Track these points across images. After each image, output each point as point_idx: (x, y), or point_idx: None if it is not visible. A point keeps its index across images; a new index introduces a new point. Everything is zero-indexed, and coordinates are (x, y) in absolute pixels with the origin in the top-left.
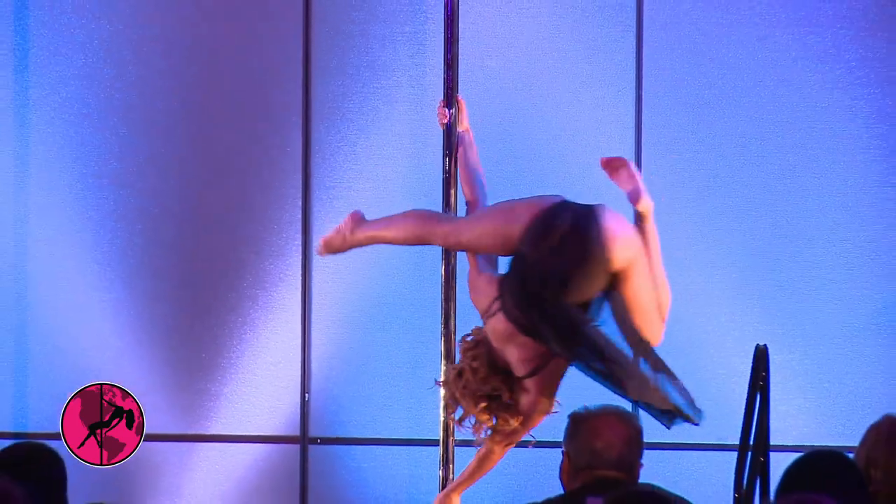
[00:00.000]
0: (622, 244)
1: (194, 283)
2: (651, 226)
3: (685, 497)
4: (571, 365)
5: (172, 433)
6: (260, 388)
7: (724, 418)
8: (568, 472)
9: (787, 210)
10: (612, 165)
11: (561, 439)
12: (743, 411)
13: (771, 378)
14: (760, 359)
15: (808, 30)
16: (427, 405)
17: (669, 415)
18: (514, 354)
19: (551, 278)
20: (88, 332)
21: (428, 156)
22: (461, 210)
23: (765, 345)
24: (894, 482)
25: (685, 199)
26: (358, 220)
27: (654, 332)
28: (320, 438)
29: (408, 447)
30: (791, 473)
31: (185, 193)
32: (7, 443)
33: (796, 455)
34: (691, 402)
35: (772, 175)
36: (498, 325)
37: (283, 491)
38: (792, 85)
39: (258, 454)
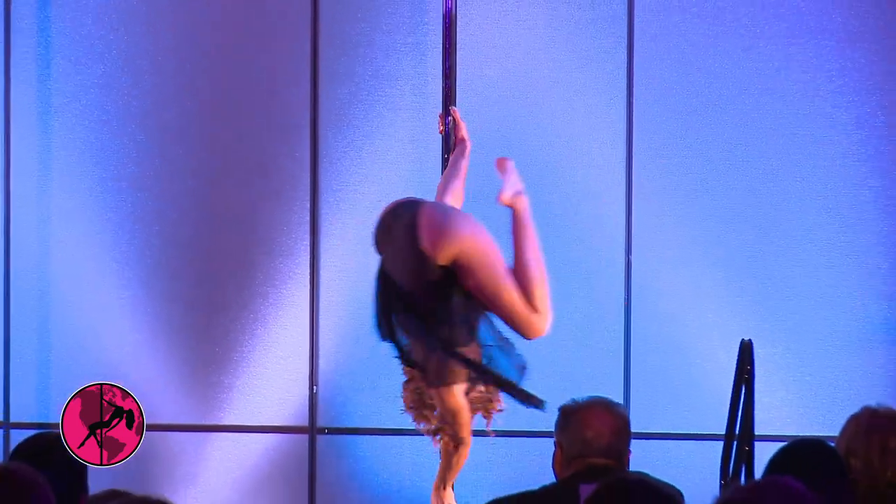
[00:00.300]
0: (448, 236)
1: (208, 282)
2: (519, 221)
3: (674, 484)
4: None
5: (188, 423)
6: (270, 380)
7: (710, 409)
8: (560, 461)
9: (770, 212)
10: (500, 166)
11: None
12: (729, 403)
13: (755, 371)
14: (745, 353)
15: (790, 41)
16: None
17: (517, 394)
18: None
19: (385, 265)
20: (108, 328)
21: (429, 160)
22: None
23: (749, 340)
24: (873, 470)
25: (674, 202)
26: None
27: (524, 322)
28: (328, 428)
29: (410, 437)
30: (775, 462)
31: (199, 196)
32: (30, 433)
33: (780, 444)
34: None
35: (756, 179)
36: None
37: (293, 478)
38: (775, 93)
39: (269, 443)
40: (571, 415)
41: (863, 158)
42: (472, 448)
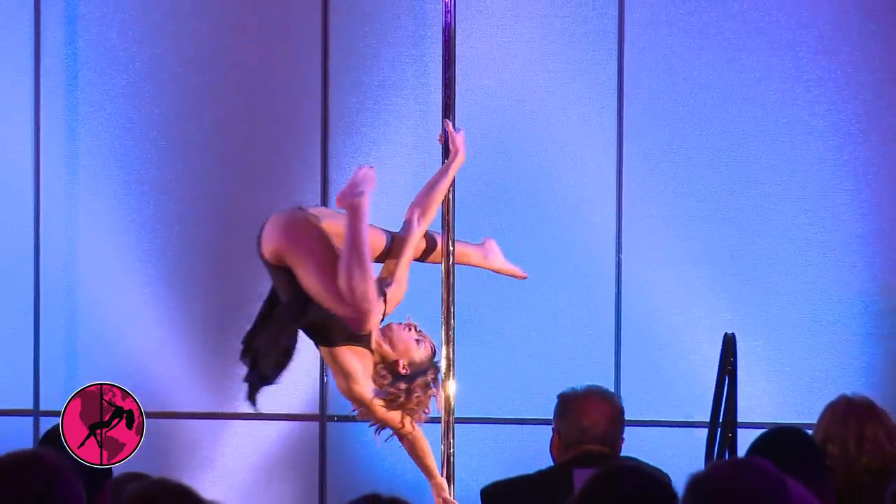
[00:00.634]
0: (265, 239)
1: (225, 280)
2: (348, 221)
3: (662, 469)
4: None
5: (206, 412)
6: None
7: (696, 399)
8: (558, 446)
9: (751, 213)
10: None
11: (551, 418)
12: (713, 392)
13: (738, 363)
14: (728, 346)
15: (770, 53)
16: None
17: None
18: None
19: None
20: (131, 322)
21: (431, 165)
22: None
23: (732, 333)
24: (849, 456)
25: (662, 204)
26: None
27: (343, 315)
28: (337, 416)
29: None
30: (756, 448)
31: (217, 198)
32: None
33: (761, 431)
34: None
35: (738, 182)
36: None
37: (304, 463)
38: (756, 102)
39: (282, 431)
40: (569, 403)
41: (838, 163)
42: (474, 436)
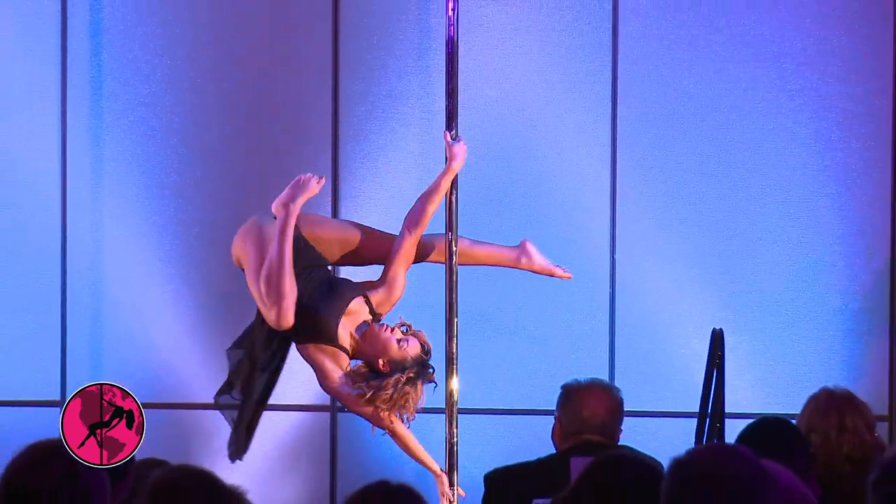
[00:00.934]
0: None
1: (241, 279)
2: (276, 229)
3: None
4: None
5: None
6: (295, 364)
7: (686, 390)
8: (559, 435)
9: (738, 216)
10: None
11: (550, 409)
12: (702, 384)
13: (726, 356)
14: (717, 340)
15: (755, 64)
16: (437, 378)
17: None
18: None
19: None
20: (152, 319)
21: (435, 170)
22: (463, 214)
23: (720, 328)
24: (830, 445)
25: (653, 207)
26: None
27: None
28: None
29: (421, 414)
30: (743, 437)
31: (233, 202)
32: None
33: (747, 421)
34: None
35: (726, 186)
36: None
37: (316, 451)
38: (742, 111)
39: (294, 421)
40: (572, 394)
41: (820, 168)
42: (477, 426)
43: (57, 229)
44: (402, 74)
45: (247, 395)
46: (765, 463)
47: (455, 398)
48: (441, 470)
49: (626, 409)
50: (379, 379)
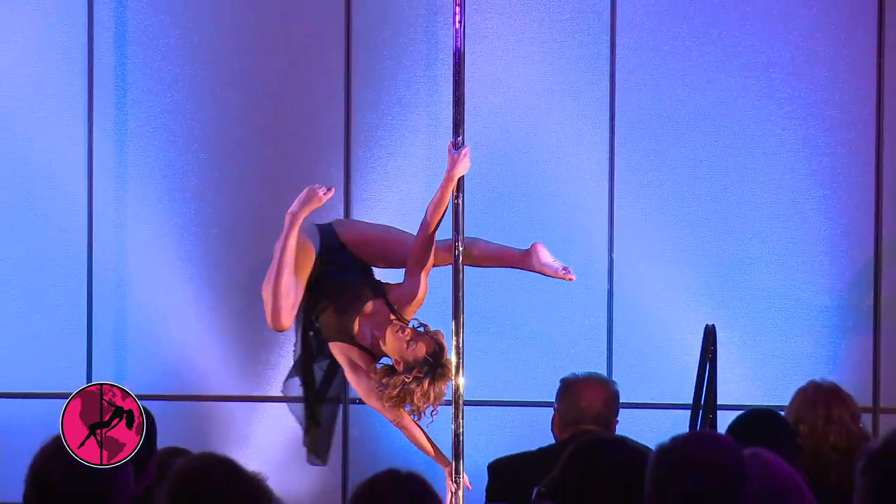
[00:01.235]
0: None
1: (258, 277)
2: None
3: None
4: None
5: (241, 395)
6: None
7: (680, 383)
8: (558, 425)
9: (730, 218)
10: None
11: (551, 400)
12: (695, 378)
13: (718, 351)
14: (709, 336)
15: (746, 74)
16: None
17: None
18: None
19: None
20: (174, 315)
21: (442, 174)
22: (469, 216)
23: (713, 325)
24: (818, 436)
25: (649, 210)
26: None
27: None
28: (359, 399)
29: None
30: (734, 427)
31: (250, 205)
32: None
33: (738, 412)
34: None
35: (718, 189)
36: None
37: None
38: (734, 118)
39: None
40: (570, 386)
41: (808, 173)
42: (482, 417)
43: (83, 231)
44: (410, 83)
45: (310, 388)
46: (759, 452)
47: (461, 391)
48: (448, 461)
49: (623, 401)
50: (391, 377)
